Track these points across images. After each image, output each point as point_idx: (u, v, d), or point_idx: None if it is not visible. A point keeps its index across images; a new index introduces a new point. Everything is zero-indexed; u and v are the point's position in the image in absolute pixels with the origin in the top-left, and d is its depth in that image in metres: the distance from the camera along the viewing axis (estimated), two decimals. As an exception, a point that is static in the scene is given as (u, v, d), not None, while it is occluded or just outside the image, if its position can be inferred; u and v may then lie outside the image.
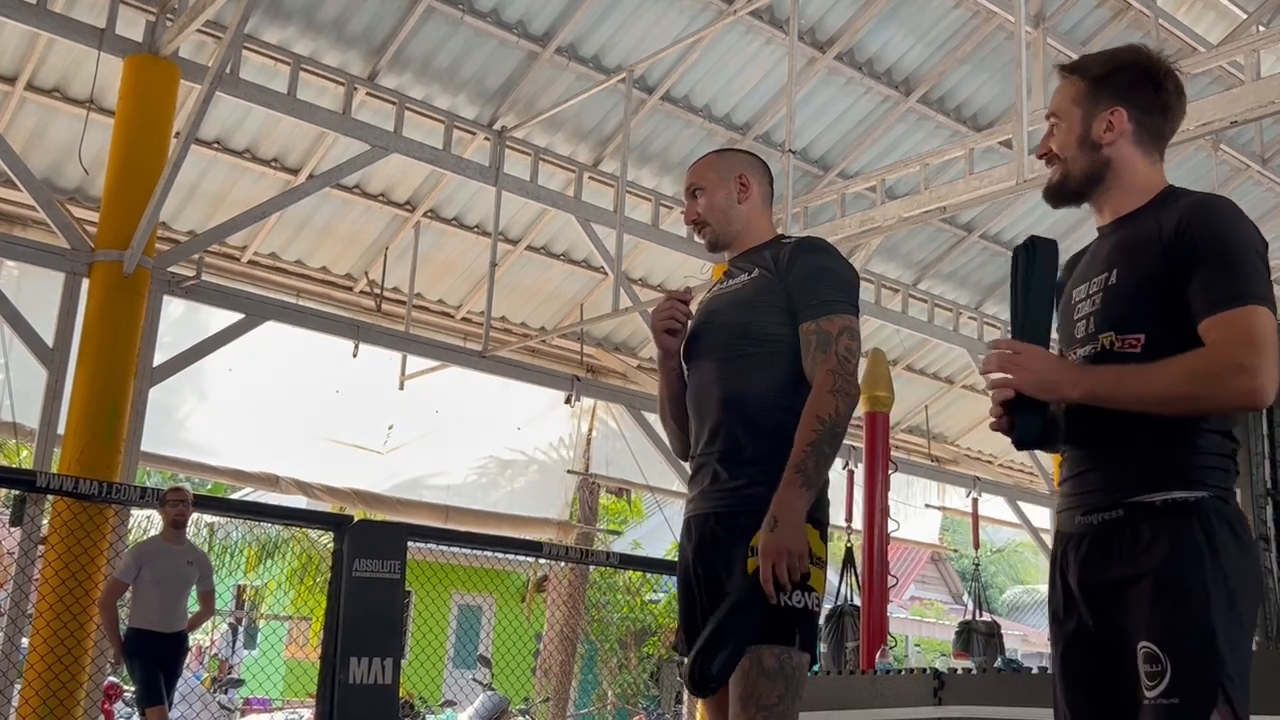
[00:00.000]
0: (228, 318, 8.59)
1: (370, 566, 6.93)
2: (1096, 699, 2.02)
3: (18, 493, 6.94)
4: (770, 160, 2.97)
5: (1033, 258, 2.15)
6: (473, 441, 11.30)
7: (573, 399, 10.44)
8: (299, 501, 11.08)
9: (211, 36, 8.08)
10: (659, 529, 15.77)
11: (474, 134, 9.49)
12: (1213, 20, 10.23)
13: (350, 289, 10.46)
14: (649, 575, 14.84)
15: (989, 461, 14.76)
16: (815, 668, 5.90)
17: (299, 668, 15.03)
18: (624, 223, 9.26)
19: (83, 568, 6.76)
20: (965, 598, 25.11)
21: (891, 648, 7.09)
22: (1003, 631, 10.24)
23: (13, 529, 7.14)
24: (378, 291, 10.28)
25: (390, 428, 10.77)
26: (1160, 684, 1.84)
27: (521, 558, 11.37)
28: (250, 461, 10.15)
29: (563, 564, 12.42)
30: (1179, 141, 3.74)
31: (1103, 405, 1.99)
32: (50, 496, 6.83)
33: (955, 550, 23.86)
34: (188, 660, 8.66)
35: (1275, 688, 3.47)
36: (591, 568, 14.18)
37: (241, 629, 18.05)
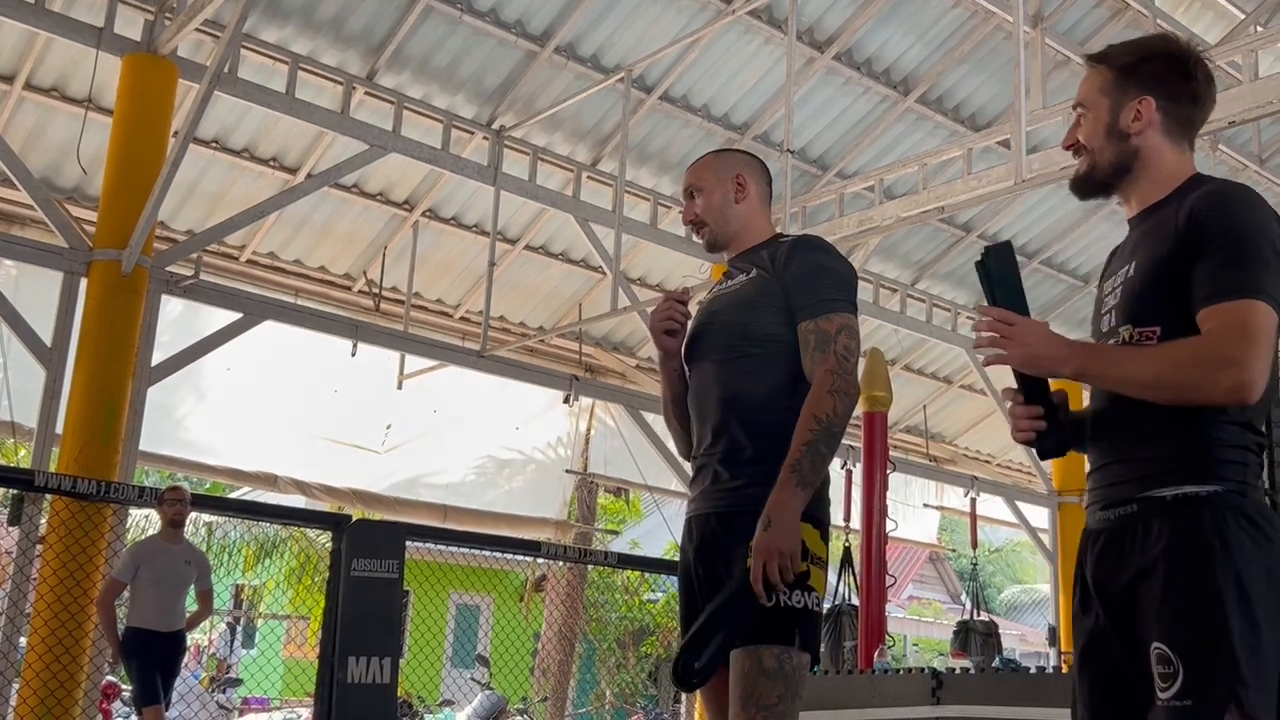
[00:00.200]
0: (226, 317, 8.58)
1: (368, 566, 6.93)
2: (1113, 699, 1.99)
3: (16, 492, 6.93)
4: (769, 160, 2.97)
5: (988, 266, 2.12)
6: (471, 441, 11.30)
7: (571, 398, 10.44)
8: (297, 501, 11.08)
9: (210, 36, 8.08)
10: (657, 529, 15.76)
11: (472, 133, 9.49)
12: (1210, 20, 10.25)
13: (348, 288, 10.46)
14: (647, 575, 14.84)
15: (987, 461, 14.78)
16: (815, 668, 5.90)
17: (297, 667, 15.04)
18: (622, 222, 9.26)
19: (81, 567, 6.75)
20: (963, 597, 25.12)
21: (889, 647, 7.09)
22: (1000, 631, 10.25)
23: (11, 528, 7.14)
24: (376, 291, 10.28)
25: (388, 427, 10.77)
26: (1173, 686, 1.81)
27: (520, 557, 11.36)
28: (248, 461, 10.14)
29: (561, 563, 12.41)
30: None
31: (1093, 385, 1.98)
32: (48, 496, 6.82)
33: (953, 550, 23.89)
34: (186, 659, 8.66)
35: None
36: (590, 567, 14.18)
37: (240, 628, 18.05)
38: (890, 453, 8.07)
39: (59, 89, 8.42)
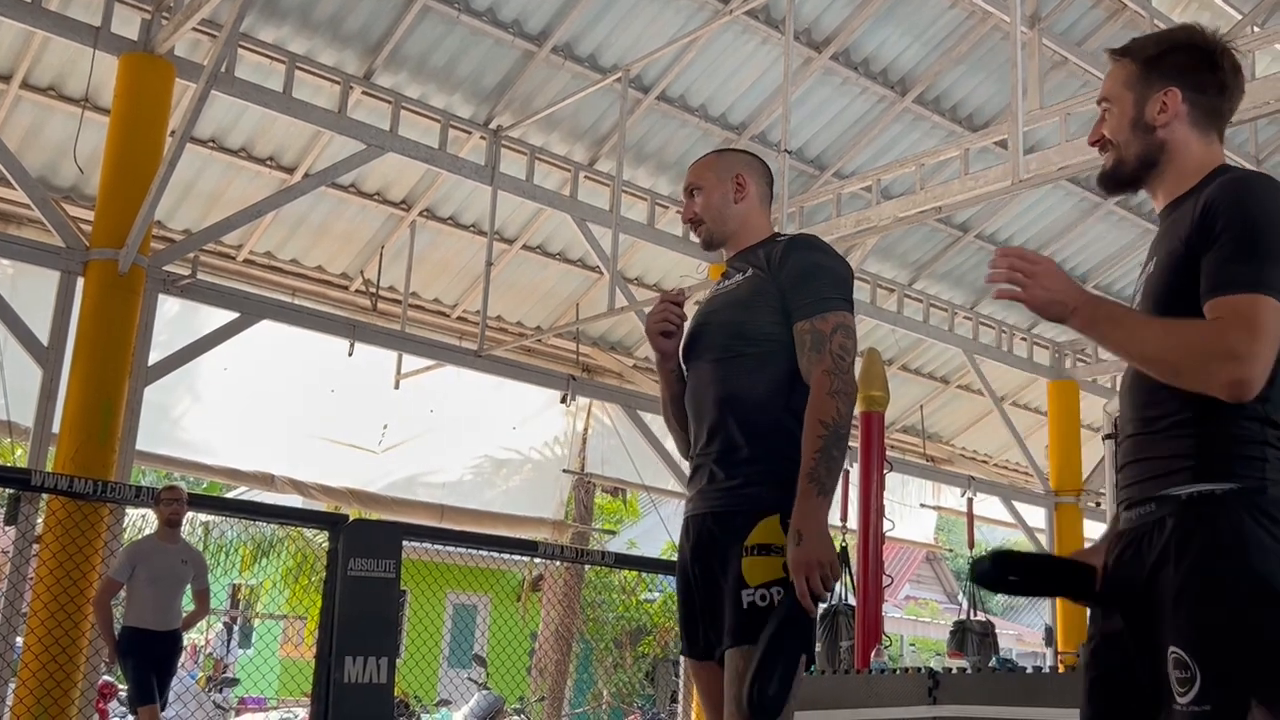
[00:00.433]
0: (223, 316, 8.58)
1: (365, 566, 6.93)
2: (1120, 703, 1.96)
3: (12, 491, 6.92)
4: (766, 160, 2.97)
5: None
6: (468, 440, 11.30)
7: (568, 398, 10.44)
8: (294, 500, 11.07)
9: (207, 35, 8.07)
10: (654, 528, 15.77)
11: (470, 133, 9.49)
12: (1207, 21, 10.14)
13: (346, 288, 10.45)
14: (644, 575, 14.83)
15: (984, 461, 14.79)
16: (811, 668, 5.91)
17: (294, 667, 15.04)
18: (620, 222, 9.26)
19: (77, 566, 6.75)
20: (960, 597, 25.14)
21: (886, 647, 7.09)
22: (997, 631, 10.25)
23: (7, 528, 7.13)
24: (373, 291, 10.28)
25: (385, 427, 10.76)
26: (1190, 691, 1.76)
27: (517, 557, 11.36)
28: (245, 460, 10.14)
29: (558, 563, 12.41)
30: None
31: (1098, 342, 1.94)
32: (45, 495, 6.81)
33: (950, 550, 23.91)
34: (183, 659, 8.65)
35: None
36: (587, 567, 14.18)
37: (236, 628, 18.04)
38: (887, 453, 8.07)
39: (56, 88, 8.41)
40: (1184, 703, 1.77)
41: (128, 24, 7.79)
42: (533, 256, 10.85)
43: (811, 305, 2.55)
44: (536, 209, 10.19)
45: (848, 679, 5.93)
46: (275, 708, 13.70)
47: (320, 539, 11.62)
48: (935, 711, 5.16)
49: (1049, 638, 11.12)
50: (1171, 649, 1.80)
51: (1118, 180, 2.13)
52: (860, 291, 10.87)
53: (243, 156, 9.24)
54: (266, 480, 10.18)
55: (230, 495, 13.70)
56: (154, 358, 7.92)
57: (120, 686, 9.54)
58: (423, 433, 10.97)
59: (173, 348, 8.23)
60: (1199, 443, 1.87)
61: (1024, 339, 13.18)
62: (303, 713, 10.92)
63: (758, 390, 2.57)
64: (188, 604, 7.33)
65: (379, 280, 10.28)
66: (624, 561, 10.60)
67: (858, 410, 8.63)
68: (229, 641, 17.51)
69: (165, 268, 8.10)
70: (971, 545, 11.63)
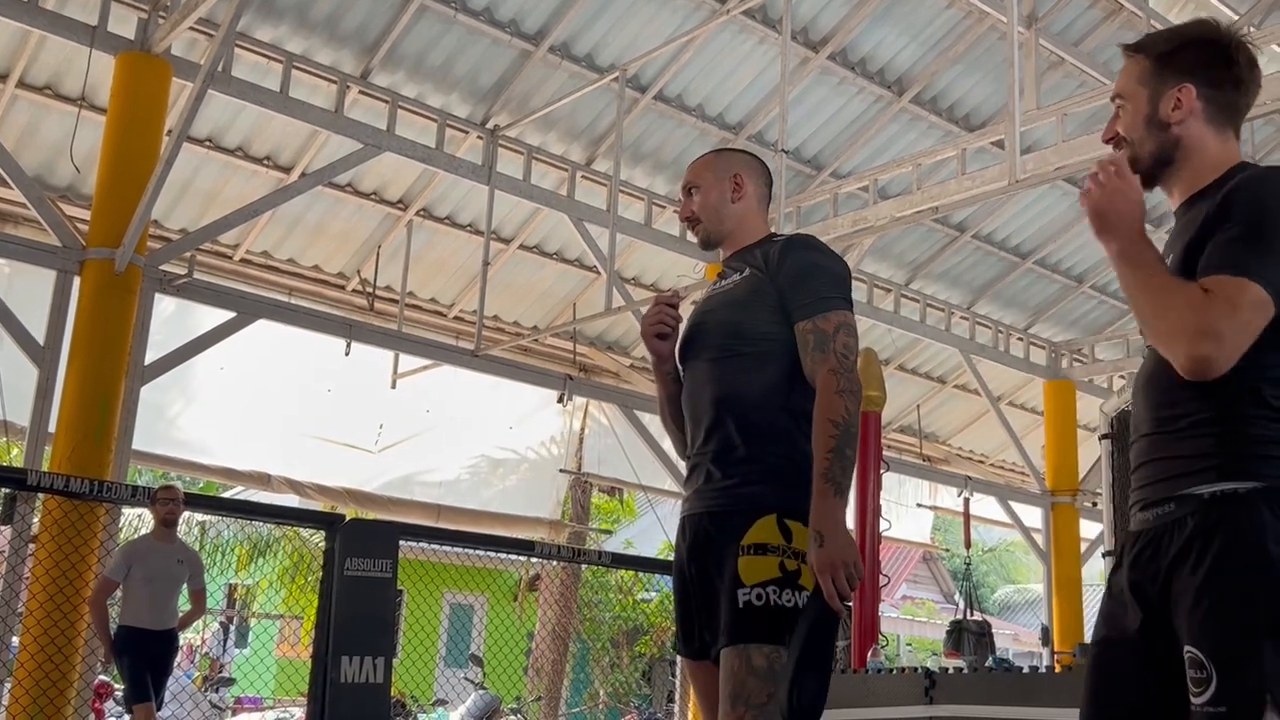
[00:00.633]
0: (219, 316, 8.58)
1: (362, 565, 6.93)
2: (1125, 705, 1.94)
3: (8, 491, 6.91)
4: (764, 160, 2.97)
5: None
6: (464, 440, 11.29)
7: (565, 398, 10.44)
8: (291, 500, 11.06)
9: (203, 34, 8.06)
10: (651, 528, 15.79)
11: (467, 133, 9.48)
12: (1204, 21, 10.25)
13: (342, 288, 10.45)
14: (641, 574, 14.84)
15: (980, 461, 14.80)
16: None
17: (290, 666, 15.02)
18: (617, 222, 9.25)
19: (73, 566, 6.74)
20: (957, 597, 25.17)
21: (883, 647, 7.10)
22: (994, 631, 10.24)
23: (3, 527, 7.11)
24: (370, 290, 10.27)
25: (381, 427, 10.75)
26: (1206, 691, 1.75)
27: (514, 557, 11.36)
28: (242, 460, 10.13)
29: (555, 563, 12.41)
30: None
31: (1119, 275, 1.92)
32: (41, 495, 6.81)
33: (947, 550, 23.88)
34: (179, 659, 8.64)
35: None
36: (584, 567, 14.17)
37: (233, 628, 18.03)
38: (884, 452, 8.08)
39: (52, 87, 8.40)
40: (1199, 703, 1.76)
41: (124, 23, 7.79)
42: (530, 256, 10.85)
43: (812, 305, 2.55)
44: (533, 208, 10.18)
45: (844, 679, 5.93)
46: (271, 707, 13.70)
47: (317, 539, 11.57)
48: (932, 711, 5.16)
49: (1045, 637, 11.14)
50: (1187, 649, 1.79)
51: None
52: (857, 291, 10.87)
53: (239, 156, 9.23)
54: (263, 480, 10.17)
55: (226, 495, 13.69)
56: (150, 357, 7.91)
57: (116, 686, 9.54)
58: (419, 432, 10.97)
59: (169, 347, 8.23)
60: (1220, 441, 1.85)
61: (1020, 339, 13.19)
62: (299, 712, 10.92)
63: (755, 390, 2.57)
64: (184, 603, 7.33)
65: (376, 280, 10.27)
66: (621, 561, 10.61)
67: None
68: (225, 641, 17.51)
69: (162, 267, 8.09)
70: (968, 545, 11.65)
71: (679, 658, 7.73)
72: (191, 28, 7.65)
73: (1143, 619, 1.91)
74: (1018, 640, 23.77)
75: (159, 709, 7.11)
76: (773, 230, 2.86)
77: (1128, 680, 1.94)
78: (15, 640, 7.18)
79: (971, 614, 10.35)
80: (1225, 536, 1.80)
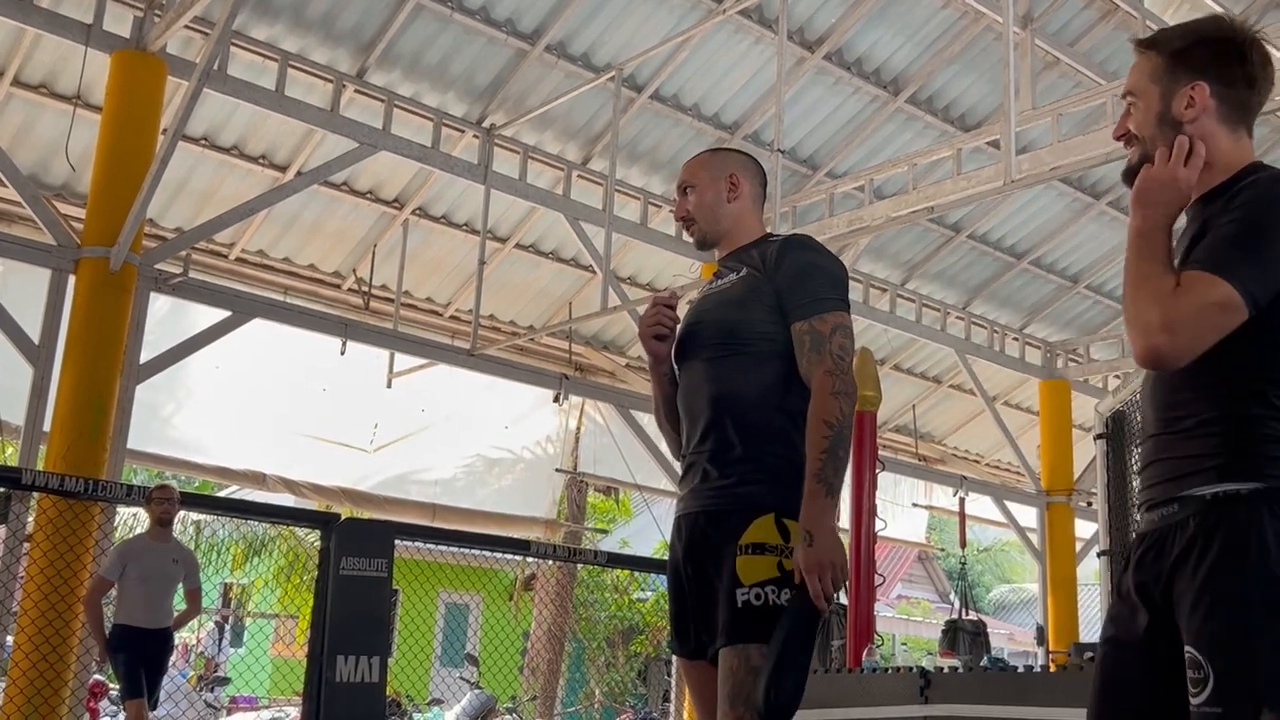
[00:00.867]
0: (215, 315, 8.57)
1: (357, 565, 6.92)
2: (1131, 705, 1.93)
3: (3, 490, 6.90)
4: (759, 159, 2.97)
5: None
6: (460, 439, 11.29)
7: (561, 397, 10.43)
8: (286, 499, 11.06)
9: (199, 33, 8.05)
10: (647, 528, 15.77)
11: (462, 132, 9.48)
12: (1200, 22, 10.26)
13: (338, 286, 10.44)
14: (637, 574, 14.85)
15: (976, 461, 14.81)
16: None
17: (285, 666, 15.00)
18: (613, 221, 9.25)
19: (68, 565, 6.74)
20: (952, 596, 25.20)
21: (878, 646, 7.10)
22: (989, 630, 10.26)
23: (-2, 526, 7.11)
24: (366, 289, 10.26)
25: (376, 426, 10.75)
26: (1203, 691, 1.75)
27: (509, 556, 11.35)
28: (237, 459, 10.12)
29: (550, 562, 12.41)
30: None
31: (1127, 250, 1.90)
32: (36, 494, 6.80)
33: (942, 549, 23.93)
34: (174, 658, 8.64)
35: None
36: (579, 566, 14.17)
37: (228, 627, 18.01)
38: (879, 452, 8.07)
39: (47, 85, 8.38)
40: (1197, 703, 1.76)
41: (120, 21, 7.78)
42: (525, 255, 10.85)
43: (809, 305, 2.55)
44: (529, 208, 10.18)
45: (840, 678, 5.93)
46: (267, 707, 13.69)
47: (312, 538, 11.58)
48: (927, 711, 5.16)
49: (1040, 637, 11.14)
50: (1187, 648, 1.79)
51: None
52: (853, 291, 10.83)
53: (235, 154, 9.22)
54: (258, 479, 10.17)
55: (222, 494, 13.68)
56: (145, 356, 7.90)
57: (111, 685, 9.53)
58: (415, 432, 10.96)
59: (164, 346, 8.22)
60: (1224, 442, 1.85)
61: (1016, 339, 13.21)
62: (294, 712, 10.91)
63: (752, 389, 2.57)
64: (179, 603, 7.32)
65: (371, 279, 10.26)
66: (616, 561, 10.61)
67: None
68: (220, 640, 17.49)
69: (157, 266, 8.08)
70: (963, 545, 11.65)
71: (674, 657, 7.74)
72: (187, 26, 7.63)
73: (1149, 620, 1.91)
74: (1013, 640, 23.80)
75: (154, 708, 7.10)
76: (769, 230, 2.86)
77: (1134, 682, 1.94)
78: (10, 639, 7.17)
79: (967, 613, 10.37)
80: (1225, 537, 1.80)
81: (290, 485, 10.31)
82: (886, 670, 5.81)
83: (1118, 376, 12.84)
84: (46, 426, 7.30)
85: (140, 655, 6.79)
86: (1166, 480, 1.91)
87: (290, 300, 9.92)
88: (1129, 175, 2.04)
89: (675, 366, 2.76)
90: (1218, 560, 1.79)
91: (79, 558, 6.84)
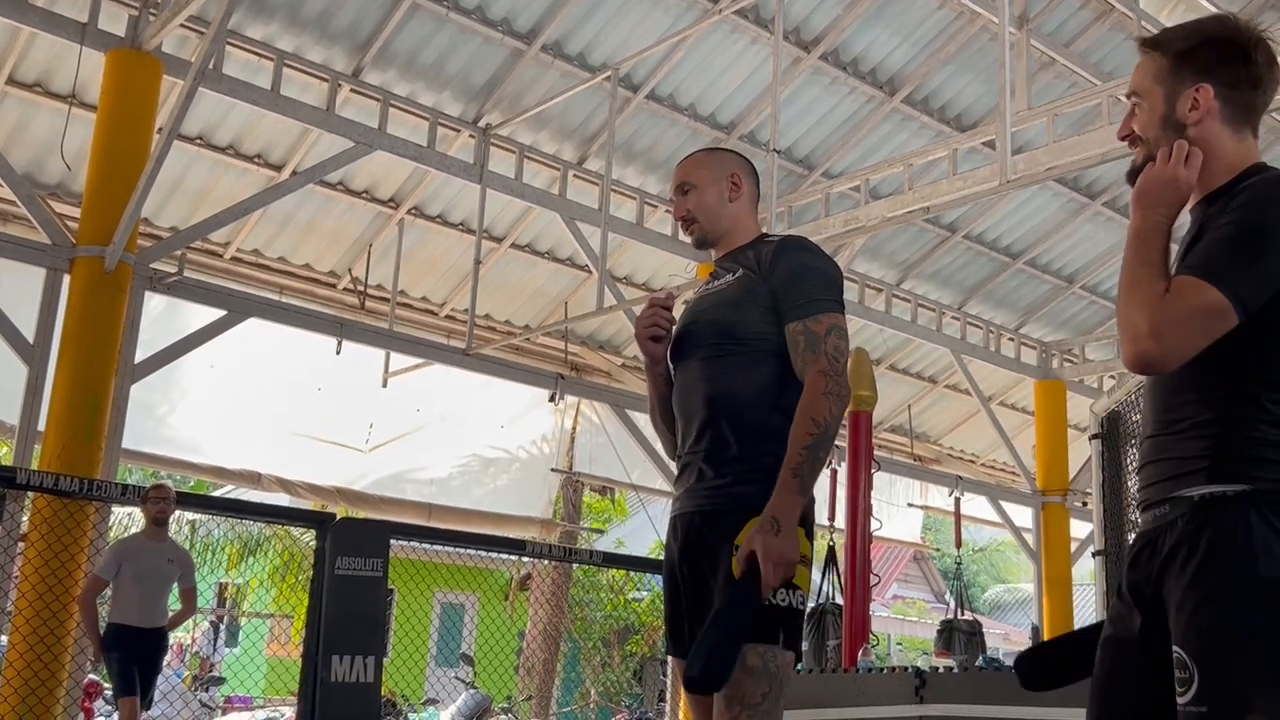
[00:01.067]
0: (210, 314, 8.55)
1: (353, 564, 6.92)
2: (1128, 704, 1.94)
3: (-3, 489, 6.90)
4: (755, 159, 2.97)
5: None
6: (456, 439, 11.29)
7: (557, 397, 10.43)
8: (281, 499, 11.05)
9: (194, 32, 8.04)
10: (643, 527, 15.78)
11: (458, 131, 9.47)
12: (1195, 22, 10.27)
13: (333, 286, 10.43)
14: (632, 574, 14.83)
15: (971, 461, 14.83)
16: (799, 666, 5.92)
17: (280, 665, 15.01)
18: (609, 221, 9.26)
19: (63, 565, 6.72)
20: (947, 596, 25.21)
21: (873, 646, 7.11)
22: (984, 630, 10.29)
23: (-8, 526, 7.09)
24: (361, 289, 10.26)
25: (371, 426, 10.74)
26: (1189, 691, 1.75)
27: (505, 556, 11.35)
28: (232, 459, 10.11)
29: (546, 562, 12.40)
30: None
31: (1125, 249, 1.90)
32: (30, 493, 6.79)
33: (937, 549, 23.97)
34: (168, 658, 8.63)
35: None
36: (575, 566, 14.17)
37: (223, 627, 18.00)
38: (875, 452, 8.08)
39: (42, 84, 8.37)
40: (1182, 703, 1.77)
41: (115, 20, 7.76)
42: (521, 255, 10.84)
43: (804, 306, 2.55)
44: (525, 207, 10.18)
45: (835, 678, 5.94)
46: (262, 707, 13.68)
47: (307, 537, 11.58)
48: (922, 710, 5.17)
49: (1036, 637, 11.14)
50: (1174, 648, 1.80)
51: None
52: (848, 291, 10.89)
53: (230, 154, 9.21)
54: (253, 479, 10.16)
55: (217, 494, 13.67)
56: (140, 355, 7.89)
57: (105, 685, 9.51)
58: (410, 431, 10.96)
59: (159, 345, 8.20)
60: (1215, 444, 1.85)
61: (1011, 339, 13.22)
62: (289, 712, 10.90)
63: (747, 389, 2.57)
64: (174, 602, 7.31)
65: (367, 278, 10.25)
66: (612, 560, 10.61)
67: (846, 410, 8.65)
68: (215, 640, 17.47)
69: (152, 265, 8.07)
70: (959, 545, 11.67)
71: (670, 657, 7.73)
72: (182, 25, 7.63)
73: (1143, 620, 1.92)
74: (1008, 640, 23.82)
75: (148, 708, 7.09)
76: (764, 230, 2.86)
77: (1131, 680, 1.95)
78: (4, 639, 7.16)
79: (962, 613, 10.39)
80: (1211, 539, 1.80)
81: (285, 485, 10.31)
82: (882, 670, 5.82)
83: (1113, 377, 12.86)
84: (41, 426, 7.28)
85: (134, 654, 6.78)
86: (1160, 481, 1.92)
87: (285, 300, 9.91)
88: (1133, 175, 2.03)
89: (671, 366, 2.76)
90: (1204, 561, 1.80)
91: (74, 557, 6.83)
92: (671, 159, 10.02)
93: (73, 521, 6.83)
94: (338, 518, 7.70)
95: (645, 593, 16.81)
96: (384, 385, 10.39)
